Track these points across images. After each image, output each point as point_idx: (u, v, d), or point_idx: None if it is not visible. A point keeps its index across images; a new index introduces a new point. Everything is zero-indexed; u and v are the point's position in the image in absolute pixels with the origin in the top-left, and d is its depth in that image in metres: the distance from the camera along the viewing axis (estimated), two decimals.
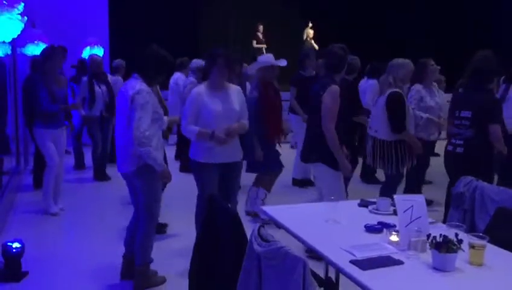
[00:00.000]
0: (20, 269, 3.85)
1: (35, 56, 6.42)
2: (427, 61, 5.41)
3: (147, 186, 3.58)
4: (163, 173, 3.56)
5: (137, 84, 3.48)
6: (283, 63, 5.12)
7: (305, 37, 13.51)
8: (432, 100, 5.36)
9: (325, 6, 13.37)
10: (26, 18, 4.40)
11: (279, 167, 5.22)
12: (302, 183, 6.62)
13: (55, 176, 5.40)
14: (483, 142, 4.03)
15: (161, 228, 4.68)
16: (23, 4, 4.24)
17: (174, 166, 6.98)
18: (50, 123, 5.28)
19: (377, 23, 13.09)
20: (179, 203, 5.34)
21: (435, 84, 5.68)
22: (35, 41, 7.25)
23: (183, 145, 7.30)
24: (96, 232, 4.88)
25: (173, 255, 4.27)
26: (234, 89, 4.05)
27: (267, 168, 5.12)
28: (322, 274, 2.89)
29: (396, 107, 4.49)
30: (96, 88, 6.72)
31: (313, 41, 13.43)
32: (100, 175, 6.96)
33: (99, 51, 9.15)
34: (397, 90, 4.52)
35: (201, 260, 2.88)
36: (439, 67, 5.68)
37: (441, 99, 5.49)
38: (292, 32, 13.63)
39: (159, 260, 3.90)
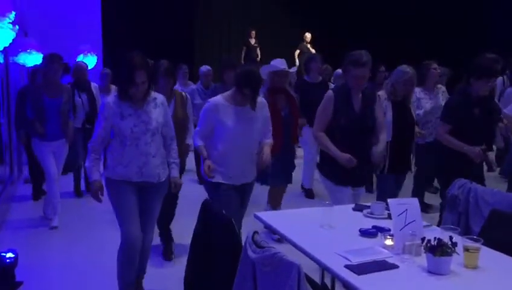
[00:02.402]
0: (14, 279, 3.82)
1: (34, 66, 6.35)
2: (427, 64, 5.49)
3: (111, 201, 3.38)
4: (91, 187, 3.31)
5: (109, 97, 3.43)
6: (293, 69, 5.03)
7: (304, 43, 12.80)
8: (429, 103, 5.41)
9: (323, 11, 13.15)
10: (17, 27, 4.38)
11: (277, 181, 4.82)
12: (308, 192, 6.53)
13: (55, 186, 5.23)
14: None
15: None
16: (14, 13, 4.23)
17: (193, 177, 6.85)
18: (45, 135, 5.10)
19: (375, 26, 12.80)
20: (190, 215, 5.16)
21: (440, 86, 5.69)
22: (28, 50, 7.20)
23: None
24: (90, 243, 4.85)
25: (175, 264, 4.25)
26: (259, 103, 3.62)
27: (264, 181, 4.80)
28: (317, 279, 2.89)
29: None
30: (76, 97, 6.27)
31: (309, 45, 12.82)
32: (78, 190, 6.63)
33: (92, 59, 9.13)
34: (381, 92, 4.43)
35: (196, 266, 2.87)
36: (439, 70, 5.64)
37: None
38: (288, 38, 13.32)
39: (163, 270, 3.92)
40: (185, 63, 7.91)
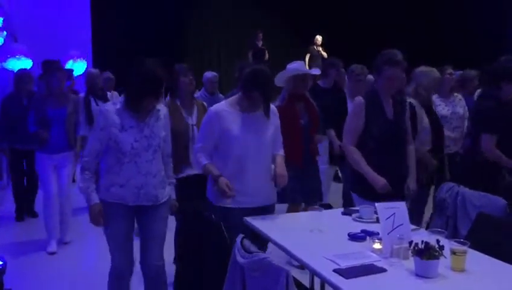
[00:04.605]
0: (2, 287, 3.79)
1: (18, 71, 6.22)
2: (442, 69, 5.10)
3: (103, 226, 3.04)
4: (91, 211, 2.97)
5: (106, 105, 3.06)
6: (316, 71, 4.66)
7: (315, 47, 12.05)
8: (446, 109, 5.01)
9: (327, 13, 12.78)
10: (5, 33, 4.36)
11: (296, 196, 4.17)
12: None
13: (53, 206, 4.87)
14: (477, 153, 3.65)
15: None
16: (2, 19, 4.21)
17: None
18: (48, 148, 4.81)
19: (382, 29, 12.23)
20: None
21: (457, 94, 5.29)
22: (17, 56, 7.18)
23: None
24: (80, 253, 4.83)
25: None
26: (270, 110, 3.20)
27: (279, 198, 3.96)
28: (307, 284, 2.89)
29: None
30: (93, 105, 6.11)
31: (321, 48, 11.98)
32: None
33: (82, 65, 9.11)
34: (412, 100, 4.00)
35: (186, 271, 2.87)
36: (454, 76, 5.22)
37: (463, 109, 5.11)
38: (294, 42, 12.93)
39: None
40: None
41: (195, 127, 3.85)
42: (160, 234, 3.09)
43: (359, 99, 3.42)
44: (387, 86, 3.36)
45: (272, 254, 2.35)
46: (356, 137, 3.38)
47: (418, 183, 3.68)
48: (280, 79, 4.23)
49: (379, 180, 3.24)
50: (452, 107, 5.02)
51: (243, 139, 3.03)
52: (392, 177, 3.26)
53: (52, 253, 4.76)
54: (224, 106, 3.14)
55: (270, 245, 3.05)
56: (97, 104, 6.15)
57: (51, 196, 4.84)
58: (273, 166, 3.18)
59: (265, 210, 3.15)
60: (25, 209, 5.89)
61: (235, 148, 3.03)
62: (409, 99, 3.98)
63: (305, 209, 4.18)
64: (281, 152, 3.24)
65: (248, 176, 3.05)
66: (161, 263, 3.12)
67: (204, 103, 4.11)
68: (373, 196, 3.21)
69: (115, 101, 3.05)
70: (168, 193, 3.11)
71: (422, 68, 4.22)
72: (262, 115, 3.11)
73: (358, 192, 3.46)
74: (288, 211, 4.21)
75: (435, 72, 4.23)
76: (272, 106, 3.27)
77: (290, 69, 4.25)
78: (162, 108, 3.07)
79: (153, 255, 3.07)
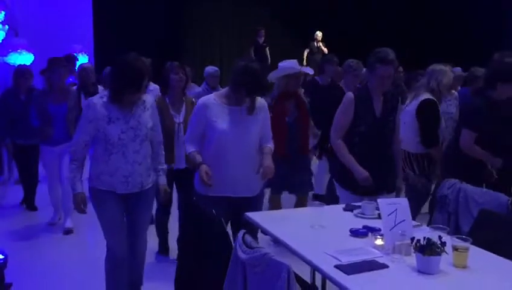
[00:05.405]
0: (3, 281, 3.79)
1: (18, 67, 6.21)
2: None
3: (96, 213, 3.18)
4: (74, 200, 3.13)
5: (94, 98, 3.12)
6: (309, 70, 4.76)
7: (315, 43, 11.99)
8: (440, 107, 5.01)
9: (328, 10, 12.83)
10: (7, 27, 4.35)
11: (275, 187, 4.35)
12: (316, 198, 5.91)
13: (55, 188, 5.12)
14: (458, 149, 3.66)
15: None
16: (4, 13, 4.20)
17: None
18: (50, 141, 4.94)
19: (385, 26, 12.38)
20: None
21: (453, 92, 5.30)
22: (18, 50, 7.17)
23: None
24: (82, 244, 4.84)
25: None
26: (258, 104, 3.23)
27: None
28: (308, 279, 2.89)
29: (429, 117, 3.99)
30: (83, 102, 5.89)
31: (321, 44, 11.85)
32: None
33: (83, 59, 9.10)
34: (432, 97, 4.01)
35: (187, 267, 2.87)
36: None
37: (456, 108, 5.11)
38: (294, 40, 12.89)
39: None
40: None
41: (181, 125, 3.98)
42: (145, 218, 3.29)
43: (349, 95, 3.50)
44: (379, 84, 3.41)
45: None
46: (343, 132, 3.49)
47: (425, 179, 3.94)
48: (273, 77, 4.30)
49: (362, 173, 3.37)
50: (445, 107, 4.98)
51: (225, 131, 3.11)
52: (372, 172, 3.36)
53: (69, 229, 5.02)
54: (212, 98, 3.23)
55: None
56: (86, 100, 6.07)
57: (54, 179, 5.09)
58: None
59: (250, 201, 3.22)
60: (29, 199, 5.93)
61: (217, 138, 3.12)
62: (431, 96, 4.02)
63: (302, 203, 4.44)
64: (270, 144, 3.30)
65: (229, 166, 3.13)
66: (144, 245, 3.35)
67: (194, 100, 4.13)
68: (356, 189, 3.41)
69: (101, 94, 3.13)
70: (153, 179, 3.24)
71: (441, 66, 4.18)
72: (246, 108, 3.18)
73: (344, 186, 3.56)
74: (270, 199, 4.49)
75: (449, 69, 4.22)
76: (262, 101, 3.33)
77: (282, 67, 4.31)
78: (147, 98, 3.17)
79: (138, 239, 3.27)
